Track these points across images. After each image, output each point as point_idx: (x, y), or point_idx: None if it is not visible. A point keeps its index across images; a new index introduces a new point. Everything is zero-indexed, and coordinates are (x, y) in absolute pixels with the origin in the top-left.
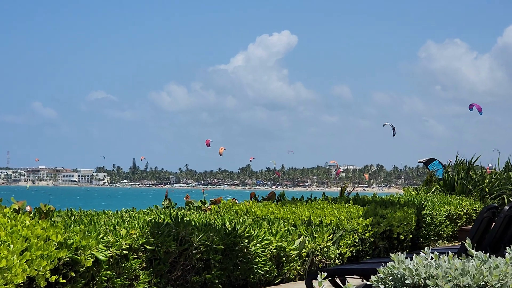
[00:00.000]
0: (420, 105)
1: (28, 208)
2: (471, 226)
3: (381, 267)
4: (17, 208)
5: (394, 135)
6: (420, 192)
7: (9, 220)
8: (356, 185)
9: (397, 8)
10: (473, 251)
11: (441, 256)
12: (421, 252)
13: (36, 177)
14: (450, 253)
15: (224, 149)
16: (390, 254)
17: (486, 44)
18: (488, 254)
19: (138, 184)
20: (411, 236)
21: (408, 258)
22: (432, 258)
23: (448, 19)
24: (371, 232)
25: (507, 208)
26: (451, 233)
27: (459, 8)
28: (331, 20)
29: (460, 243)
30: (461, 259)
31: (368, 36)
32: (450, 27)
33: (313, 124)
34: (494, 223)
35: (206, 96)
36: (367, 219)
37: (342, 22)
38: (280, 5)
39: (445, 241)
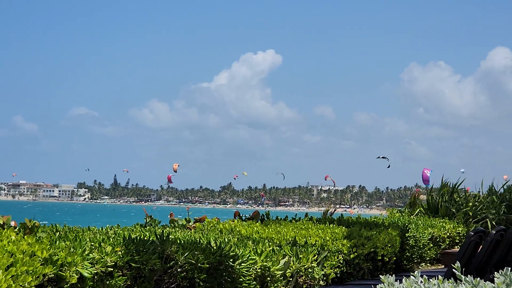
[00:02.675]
0: (402, 127)
1: (13, 223)
2: (456, 250)
3: None
4: (1, 223)
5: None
6: (404, 214)
7: None
8: (338, 206)
9: (382, 30)
10: (461, 275)
11: (430, 280)
12: (410, 275)
13: (17, 192)
14: (440, 277)
15: (178, 165)
16: (381, 276)
17: (470, 68)
18: (476, 278)
19: (119, 201)
20: (395, 258)
21: (398, 281)
22: (421, 281)
23: (433, 41)
24: (356, 254)
25: (494, 232)
26: (434, 256)
27: (444, 31)
28: (316, 40)
29: (443, 266)
30: (450, 283)
31: (352, 57)
32: (434, 49)
33: (295, 144)
34: (480, 247)
35: (189, 114)
36: (352, 241)
37: (327, 43)
38: (266, 24)
39: (428, 264)
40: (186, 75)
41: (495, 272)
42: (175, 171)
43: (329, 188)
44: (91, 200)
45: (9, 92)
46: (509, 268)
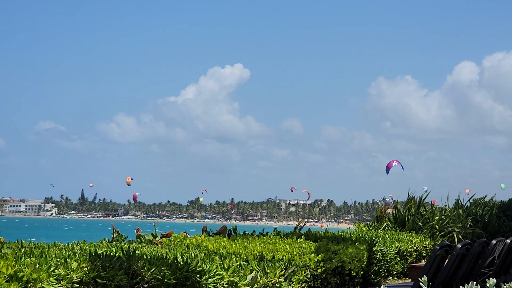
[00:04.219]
0: (370, 141)
1: None
2: (423, 263)
3: None
4: None
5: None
6: (371, 228)
7: None
8: (306, 220)
9: (349, 44)
10: None
11: None
12: None
13: None
14: None
15: (132, 179)
16: None
17: (436, 82)
18: None
19: (86, 216)
20: (362, 272)
21: None
22: None
23: (400, 56)
24: (323, 268)
25: (460, 246)
26: (401, 270)
27: (411, 46)
28: (284, 54)
29: (410, 280)
30: None
31: (320, 71)
32: (401, 64)
33: (263, 158)
34: (446, 261)
35: (156, 128)
36: (319, 255)
37: (294, 57)
38: (234, 38)
39: (395, 278)
40: (153, 89)
41: (461, 287)
42: (129, 185)
43: (297, 202)
44: (58, 215)
45: None
46: (474, 283)
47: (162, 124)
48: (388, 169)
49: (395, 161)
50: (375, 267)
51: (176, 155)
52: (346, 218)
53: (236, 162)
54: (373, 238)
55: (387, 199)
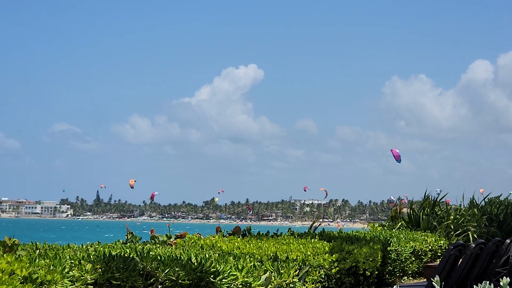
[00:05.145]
0: (384, 140)
1: None
2: (437, 263)
3: None
4: None
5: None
6: (385, 227)
7: None
8: (321, 220)
9: (363, 43)
10: None
11: None
12: None
13: None
14: None
15: (135, 181)
16: None
17: (451, 81)
18: None
19: (101, 217)
20: (377, 272)
21: None
22: None
23: (414, 55)
24: (337, 268)
25: (473, 246)
26: (416, 270)
27: (425, 44)
28: (298, 55)
29: (425, 280)
30: None
31: (334, 71)
32: (415, 63)
33: (278, 158)
34: (460, 261)
35: (170, 129)
36: (333, 255)
37: (309, 57)
38: (248, 38)
39: (411, 278)
40: (168, 90)
41: (475, 286)
42: (132, 187)
43: (312, 202)
44: (74, 217)
45: None
46: (488, 282)
47: (176, 125)
48: (398, 157)
49: (394, 150)
50: (389, 267)
51: (190, 156)
52: (362, 218)
53: (251, 163)
54: (388, 238)
55: (392, 198)
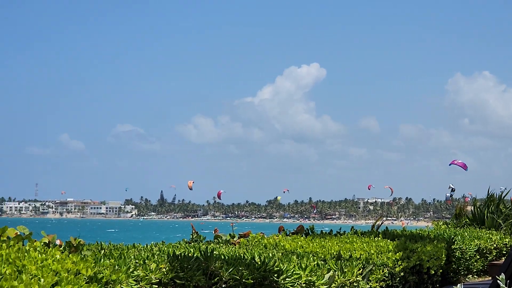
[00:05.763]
0: (447, 138)
1: (58, 242)
2: (502, 261)
3: None
4: (47, 242)
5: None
6: (449, 226)
7: (39, 254)
8: (385, 218)
9: (426, 41)
10: (506, 287)
11: None
12: None
13: (64, 210)
14: None
15: (193, 182)
16: None
17: None
18: None
19: (166, 217)
20: (441, 271)
21: None
22: None
23: (477, 51)
24: (401, 267)
25: None
26: (481, 268)
27: (488, 41)
28: (360, 53)
29: (490, 278)
30: None
31: (396, 69)
32: (479, 59)
33: (340, 157)
34: None
35: (233, 129)
36: (397, 254)
37: (371, 55)
38: (310, 37)
39: (475, 276)
40: (230, 90)
41: None
42: (190, 189)
43: (375, 201)
44: (138, 217)
45: (55, 111)
46: None
47: (239, 125)
48: (464, 166)
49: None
50: (454, 265)
51: (253, 156)
52: (426, 216)
53: (314, 162)
54: (452, 236)
55: (448, 195)
